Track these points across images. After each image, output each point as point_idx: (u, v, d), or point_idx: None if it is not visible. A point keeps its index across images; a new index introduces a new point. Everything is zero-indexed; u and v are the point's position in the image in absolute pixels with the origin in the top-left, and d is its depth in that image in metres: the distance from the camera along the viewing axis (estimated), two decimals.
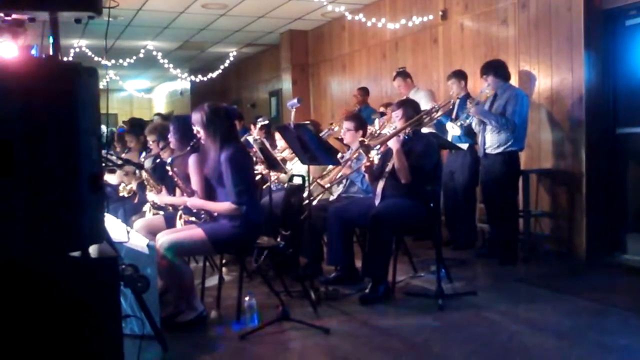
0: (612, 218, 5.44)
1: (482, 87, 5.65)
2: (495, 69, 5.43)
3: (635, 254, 5.24)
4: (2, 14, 2.36)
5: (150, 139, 5.00)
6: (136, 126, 6.92)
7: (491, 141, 5.38)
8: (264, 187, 5.26)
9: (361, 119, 5.48)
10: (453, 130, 5.70)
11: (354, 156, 5.01)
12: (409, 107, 4.68)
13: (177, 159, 4.27)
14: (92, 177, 2.26)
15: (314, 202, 4.89)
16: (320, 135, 5.41)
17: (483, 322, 3.82)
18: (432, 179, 4.45)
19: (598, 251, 5.39)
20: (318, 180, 5.13)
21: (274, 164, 4.94)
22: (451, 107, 5.68)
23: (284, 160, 5.37)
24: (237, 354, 3.40)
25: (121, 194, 5.44)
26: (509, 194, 5.38)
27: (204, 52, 12.58)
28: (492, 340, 3.50)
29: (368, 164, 4.46)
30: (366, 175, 4.69)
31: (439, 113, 5.16)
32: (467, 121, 5.53)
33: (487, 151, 5.42)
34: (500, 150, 5.32)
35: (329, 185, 5.17)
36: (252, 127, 7.64)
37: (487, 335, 3.58)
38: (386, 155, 4.64)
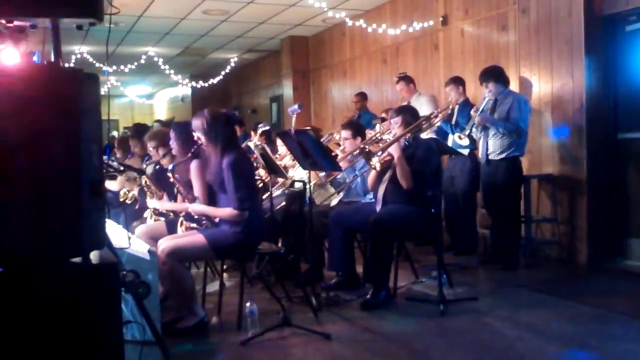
0: (614, 223, 5.43)
1: (482, 93, 5.64)
2: (496, 75, 5.42)
3: (637, 259, 5.23)
4: (4, 21, 2.38)
5: (150, 145, 4.98)
6: (140, 131, 6.91)
7: (494, 147, 5.36)
8: (266, 194, 5.25)
9: (358, 125, 5.47)
10: (462, 141, 5.61)
11: (355, 160, 4.99)
12: (408, 114, 4.67)
13: (178, 166, 4.27)
14: (93, 183, 2.27)
15: (317, 203, 4.88)
16: (321, 141, 5.41)
17: (484, 328, 3.81)
18: (432, 184, 4.45)
19: (600, 256, 5.38)
20: (315, 173, 5.05)
21: (275, 169, 4.94)
22: (449, 112, 5.68)
23: (286, 168, 5.37)
24: (238, 359, 3.40)
25: (122, 200, 5.43)
26: (512, 200, 5.37)
27: (205, 58, 12.60)
28: (494, 346, 3.49)
29: (373, 172, 4.46)
30: (369, 181, 4.69)
31: (438, 119, 5.15)
32: (474, 130, 5.51)
33: (490, 157, 5.39)
34: (503, 155, 5.30)
35: (326, 182, 5.15)
36: (252, 133, 7.64)
37: (488, 341, 3.58)
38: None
